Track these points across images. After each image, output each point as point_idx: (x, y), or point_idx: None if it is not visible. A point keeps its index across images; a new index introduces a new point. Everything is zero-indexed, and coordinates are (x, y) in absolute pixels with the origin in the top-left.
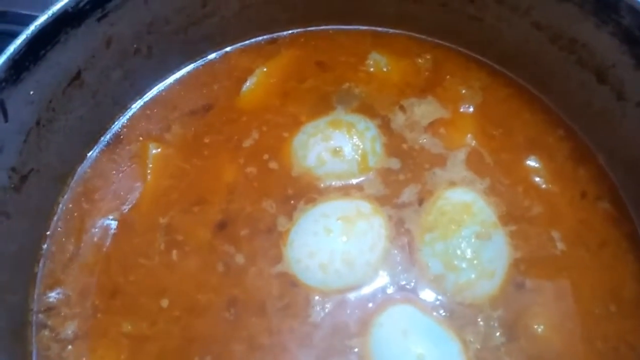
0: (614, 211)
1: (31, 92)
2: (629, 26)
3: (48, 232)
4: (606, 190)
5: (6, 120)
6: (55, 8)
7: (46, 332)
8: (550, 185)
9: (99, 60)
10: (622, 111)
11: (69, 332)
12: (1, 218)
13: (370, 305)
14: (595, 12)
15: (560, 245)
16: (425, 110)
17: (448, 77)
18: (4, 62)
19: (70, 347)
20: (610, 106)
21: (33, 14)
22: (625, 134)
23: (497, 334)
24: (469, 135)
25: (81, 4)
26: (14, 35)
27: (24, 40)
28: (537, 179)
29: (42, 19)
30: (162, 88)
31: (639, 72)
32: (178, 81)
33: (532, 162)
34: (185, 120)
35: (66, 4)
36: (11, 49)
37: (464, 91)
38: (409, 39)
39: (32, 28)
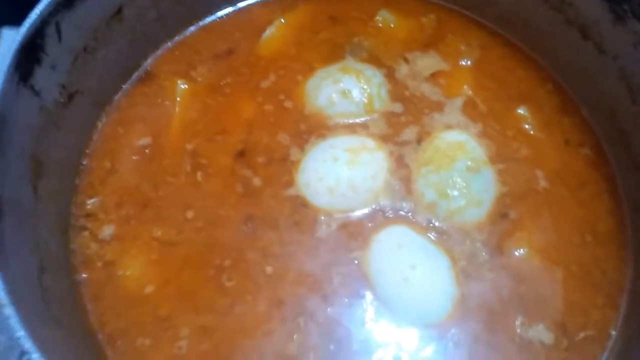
0: (594, 156)
1: (81, 19)
2: None
3: (87, 150)
4: (587, 138)
5: (60, 41)
6: None
7: (86, 234)
8: (537, 132)
9: None
10: (602, 65)
11: (106, 234)
12: (53, 127)
13: (370, 225)
14: None
15: (543, 183)
16: (427, 62)
17: (449, 35)
18: None
19: (107, 247)
20: (592, 61)
21: None
22: (605, 87)
23: (482, 253)
24: (465, 86)
25: None
26: None
27: None
28: (526, 126)
29: None
30: (190, 32)
31: (617, 27)
32: (203, 27)
33: (522, 111)
34: (209, 62)
35: None
36: None
37: (463, 48)
38: (416, 0)
39: None
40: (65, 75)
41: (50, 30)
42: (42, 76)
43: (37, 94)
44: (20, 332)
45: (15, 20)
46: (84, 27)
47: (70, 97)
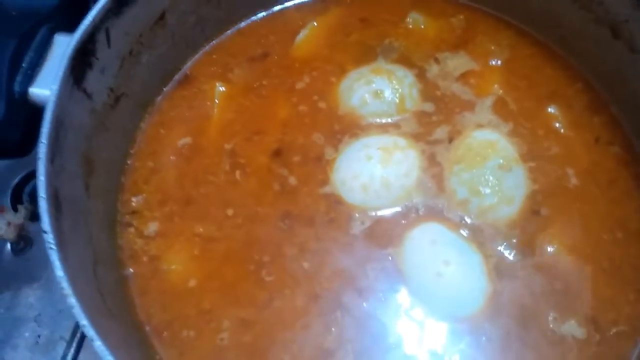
0: (624, 154)
1: (127, 25)
2: None
3: (132, 151)
4: (618, 137)
5: (109, 46)
6: None
7: (132, 230)
8: (567, 131)
9: (180, 5)
10: (633, 64)
11: (151, 230)
12: (102, 128)
13: (404, 222)
14: None
15: (573, 181)
16: (458, 62)
17: (479, 35)
18: None
19: (152, 242)
20: (623, 60)
21: None
22: (635, 86)
23: (514, 250)
24: (495, 85)
25: None
26: None
27: None
28: (557, 124)
29: None
30: (226, 36)
31: None
32: (239, 32)
33: (552, 110)
34: (245, 65)
35: None
36: None
37: (493, 48)
38: (445, 1)
39: None
40: (113, 79)
41: (101, 36)
42: (93, 80)
43: (89, 96)
44: (84, 321)
45: (67, 27)
46: (130, 33)
47: (117, 99)
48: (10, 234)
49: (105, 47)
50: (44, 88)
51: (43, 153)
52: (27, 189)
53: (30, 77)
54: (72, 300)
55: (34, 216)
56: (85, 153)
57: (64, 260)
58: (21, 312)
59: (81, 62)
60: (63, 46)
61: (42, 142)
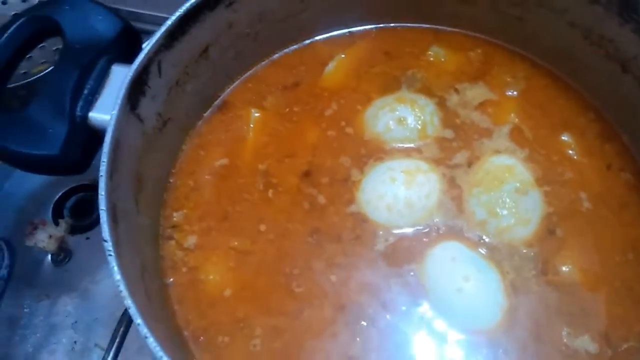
0: (635, 181)
1: (176, 57)
2: None
3: (174, 170)
4: (629, 164)
5: (160, 76)
6: None
7: (173, 242)
8: (580, 157)
9: (221, 40)
10: None
11: (190, 243)
12: (150, 149)
13: (425, 240)
14: (619, 12)
15: (586, 204)
16: (476, 93)
17: (496, 67)
18: (164, 32)
19: (191, 254)
20: (632, 93)
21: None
22: None
23: (530, 268)
24: (512, 114)
25: None
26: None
27: (178, 16)
28: (570, 151)
29: (189, 2)
30: (261, 67)
31: None
32: (273, 62)
33: (565, 138)
34: (278, 93)
35: None
36: (168, 22)
37: (509, 79)
38: (464, 36)
39: (184, 8)
40: (162, 105)
41: (154, 67)
42: (145, 106)
43: (141, 121)
44: (139, 320)
45: (122, 58)
46: (178, 64)
47: (164, 123)
48: (52, 245)
49: (157, 77)
50: (103, 113)
51: (104, 171)
52: (68, 204)
53: (90, 103)
54: (129, 302)
55: (74, 229)
56: (136, 171)
57: (121, 266)
58: (59, 320)
59: (136, 90)
60: (119, 75)
61: (102, 162)
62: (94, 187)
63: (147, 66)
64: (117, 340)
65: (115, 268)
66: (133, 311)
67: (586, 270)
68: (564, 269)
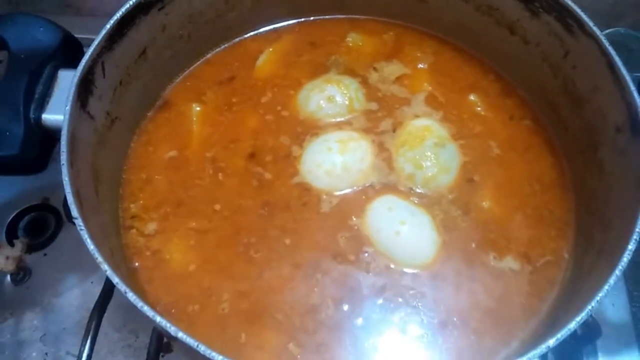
0: (534, 125)
1: (118, 58)
2: None
3: (125, 167)
4: (527, 112)
5: (104, 77)
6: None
7: (134, 231)
8: (486, 113)
9: (157, 41)
10: (528, 53)
11: (151, 229)
12: (102, 146)
13: (364, 197)
14: None
15: (496, 151)
16: (392, 69)
17: (407, 46)
18: (104, 35)
19: (152, 239)
20: (521, 50)
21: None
22: (533, 70)
23: (455, 209)
24: (425, 84)
25: None
26: None
27: (116, 20)
28: (478, 109)
29: (125, 6)
30: (196, 66)
31: (534, 21)
32: (207, 61)
33: (472, 98)
34: (215, 88)
35: None
36: (108, 26)
37: (419, 55)
38: (376, 22)
39: (120, 12)
40: (109, 104)
41: (98, 68)
42: (94, 104)
43: (92, 117)
44: (116, 279)
45: (67, 64)
46: (120, 65)
47: (112, 122)
48: (9, 266)
49: (101, 77)
50: (55, 114)
51: (65, 160)
52: (21, 224)
53: (42, 106)
54: (105, 266)
55: (30, 248)
56: (93, 163)
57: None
58: (26, 335)
59: (84, 89)
60: (67, 79)
61: (62, 152)
62: (46, 206)
63: (91, 67)
64: (88, 343)
65: (88, 239)
66: (110, 273)
67: (502, 204)
68: (484, 205)
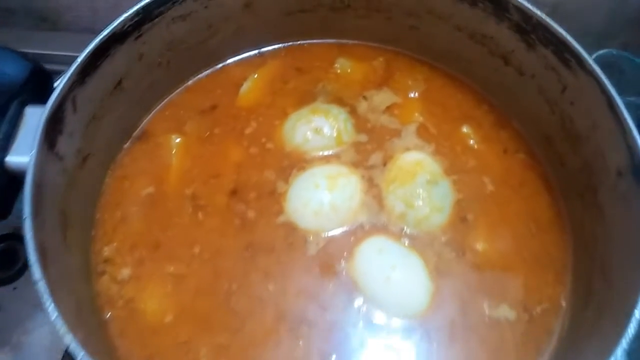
0: (529, 159)
1: (91, 92)
2: (517, 20)
3: (99, 204)
4: (521, 146)
5: (76, 112)
6: (107, 30)
7: (106, 277)
8: (480, 146)
9: (134, 71)
10: (523, 84)
11: (124, 275)
12: (72, 186)
13: (352, 239)
14: (494, 12)
15: (490, 187)
16: (382, 98)
17: (397, 73)
18: (75, 68)
19: (126, 286)
20: (515, 82)
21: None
22: (528, 102)
23: (449, 251)
24: (416, 114)
25: (125, 27)
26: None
27: (88, 52)
28: (471, 141)
29: (99, 38)
30: (176, 94)
31: (530, 53)
32: (188, 88)
33: (465, 130)
34: (196, 118)
35: (115, 26)
36: (79, 59)
37: (410, 82)
38: (366, 47)
39: (93, 44)
40: (80, 141)
41: (68, 104)
42: (63, 144)
43: (60, 159)
44: (81, 353)
45: (35, 100)
46: (94, 99)
47: (84, 159)
48: None
49: (72, 113)
50: (20, 155)
51: (28, 213)
52: None
53: (5, 147)
54: (69, 338)
55: None
56: (61, 209)
57: (57, 304)
58: None
59: (53, 129)
60: (34, 117)
61: (26, 203)
62: (16, 236)
63: (61, 104)
64: None
65: (52, 306)
66: (74, 347)
67: (497, 246)
68: (478, 248)
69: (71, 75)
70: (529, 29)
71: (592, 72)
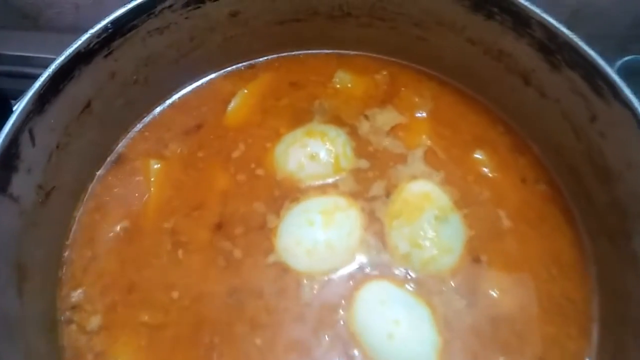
0: (550, 191)
1: (52, 121)
2: (540, 38)
3: (67, 242)
4: (542, 175)
5: (33, 146)
6: (71, 49)
7: (74, 327)
8: (495, 174)
9: (105, 91)
10: (546, 108)
11: (94, 325)
12: (32, 227)
13: (351, 283)
14: (513, 27)
15: (506, 223)
16: (386, 117)
17: (403, 89)
18: (31, 97)
19: (96, 337)
20: (536, 104)
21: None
22: (550, 127)
23: (459, 299)
24: (424, 136)
25: (91, 45)
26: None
27: (47, 77)
28: (484, 169)
29: (60, 59)
30: (157, 112)
31: (554, 74)
32: (170, 106)
33: (478, 155)
34: (179, 138)
35: (79, 45)
36: (37, 85)
37: (417, 100)
38: (368, 58)
39: (52, 67)
40: (41, 176)
41: (24, 137)
42: (19, 182)
43: (15, 200)
44: None
45: None
46: (56, 128)
47: (47, 195)
48: None
49: (29, 147)
50: None
51: None
52: None
53: None
54: None
55: None
56: (15, 259)
57: None
58: None
59: (5, 168)
60: None
61: None
62: None
63: (15, 139)
64: None
65: None
66: None
67: (514, 291)
68: (492, 293)
69: (26, 104)
70: (554, 48)
71: (629, 103)
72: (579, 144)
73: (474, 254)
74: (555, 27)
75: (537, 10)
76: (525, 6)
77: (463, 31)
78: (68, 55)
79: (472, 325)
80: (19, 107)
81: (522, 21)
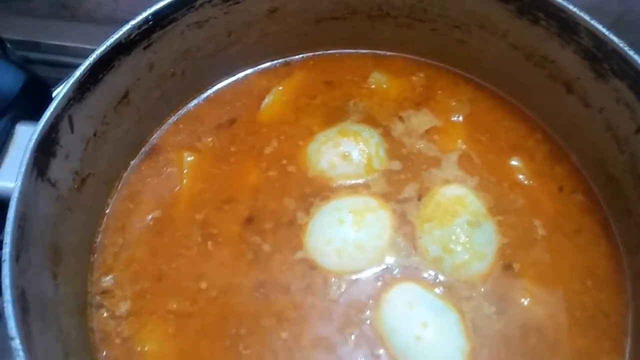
0: (587, 202)
1: (91, 109)
2: (587, 45)
3: (100, 228)
4: (580, 185)
5: (72, 132)
6: (112, 39)
7: (103, 311)
8: (531, 182)
9: (143, 82)
10: (588, 117)
11: (123, 310)
12: (68, 212)
13: (379, 284)
14: (559, 33)
15: (541, 232)
16: (421, 120)
17: (439, 91)
18: (72, 84)
19: (124, 323)
20: (578, 113)
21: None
22: (592, 137)
23: (489, 305)
24: (459, 141)
25: (132, 36)
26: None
27: (88, 66)
28: (520, 176)
29: (101, 48)
30: (192, 105)
31: (599, 83)
32: (206, 99)
33: (515, 162)
34: (213, 132)
35: (120, 36)
36: (77, 73)
37: (453, 103)
38: (405, 60)
39: (93, 56)
40: (78, 162)
41: (64, 124)
42: (57, 167)
43: (53, 185)
44: None
45: (29, 116)
46: (94, 116)
47: (83, 181)
48: None
49: (68, 133)
50: (7, 181)
51: (7, 254)
52: None
53: None
54: None
55: None
56: (51, 242)
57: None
58: None
59: (44, 153)
60: (25, 136)
61: (5, 243)
62: None
63: (55, 124)
64: None
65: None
66: None
67: (546, 301)
68: (523, 301)
69: (67, 92)
70: (601, 57)
71: None
72: (622, 154)
73: (506, 261)
74: (604, 35)
75: (586, 17)
76: (574, 12)
77: (505, 35)
78: (109, 45)
79: (502, 332)
80: (59, 93)
81: (568, 27)
